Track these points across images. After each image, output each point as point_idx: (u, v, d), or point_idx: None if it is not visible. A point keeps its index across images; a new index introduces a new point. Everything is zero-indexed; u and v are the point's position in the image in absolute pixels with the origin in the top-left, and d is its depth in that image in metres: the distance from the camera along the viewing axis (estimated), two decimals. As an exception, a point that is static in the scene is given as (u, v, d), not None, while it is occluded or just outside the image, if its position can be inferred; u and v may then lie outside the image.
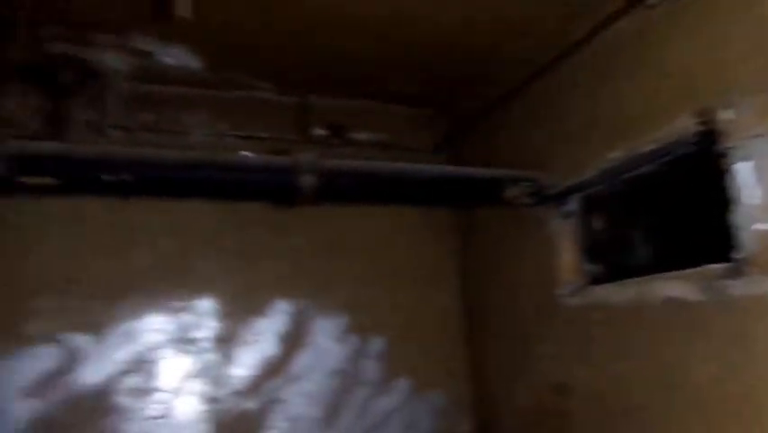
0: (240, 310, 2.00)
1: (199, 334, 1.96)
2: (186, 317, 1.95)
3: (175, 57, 1.95)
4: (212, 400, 1.93)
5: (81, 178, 1.36)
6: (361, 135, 2.33)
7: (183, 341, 1.94)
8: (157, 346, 1.90)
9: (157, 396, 1.87)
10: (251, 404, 1.98)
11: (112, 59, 1.87)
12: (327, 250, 2.14)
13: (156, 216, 1.95)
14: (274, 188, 1.59)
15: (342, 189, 1.65)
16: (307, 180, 1.53)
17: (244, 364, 2.00)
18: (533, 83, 1.89)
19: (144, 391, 1.86)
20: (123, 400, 1.82)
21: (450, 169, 1.88)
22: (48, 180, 1.30)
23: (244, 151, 1.96)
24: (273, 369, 2.03)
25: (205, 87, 2.12)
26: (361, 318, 2.14)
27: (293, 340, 2.05)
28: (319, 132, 2.20)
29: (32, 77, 1.75)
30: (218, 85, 2.13)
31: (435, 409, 2.22)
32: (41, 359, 1.74)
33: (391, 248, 2.26)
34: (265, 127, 2.16)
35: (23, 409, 1.70)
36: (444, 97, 2.37)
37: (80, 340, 1.80)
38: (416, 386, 2.19)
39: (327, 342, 2.10)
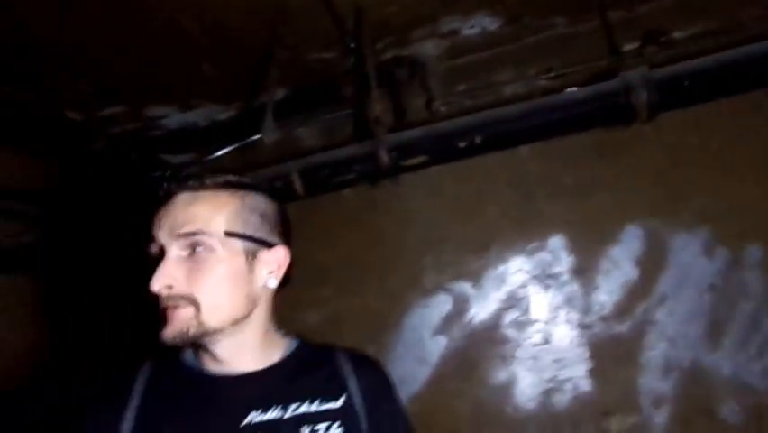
0: (592, 241, 2.07)
1: (558, 269, 2.11)
2: (543, 256, 2.13)
3: (476, 25, 2.13)
4: (583, 326, 2.07)
5: (443, 150, 1.66)
6: (680, 33, 2.10)
7: (545, 277, 2.12)
8: (524, 285, 2.14)
9: (535, 326, 2.11)
10: (622, 328, 2.04)
11: (429, 48, 2.16)
12: (672, 162, 2.00)
13: (497, 170, 2.17)
14: (606, 114, 1.61)
15: (681, 95, 1.55)
16: (641, 96, 1.50)
17: (607, 291, 2.06)
18: None
19: (523, 323, 2.12)
20: (508, 331, 2.12)
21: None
22: (421, 159, 1.64)
23: (557, 89, 2.01)
24: (638, 292, 2.03)
25: (505, 43, 2.24)
26: (728, 227, 1.95)
27: (653, 261, 2.02)
28: (632, 46, 2.08)
29: (379, 82, 2.15)
30: (516, 37, 2.22)
31: None
32: (440, 305, 2.17)
33: (750, 140, 1.96)
34: (574, 61, 2.14)
35: (436, 342, 2.15)
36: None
37: (464, 287, 2.17)
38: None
39: (692, 258, 1.99)
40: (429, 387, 2.13)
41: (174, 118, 2.36)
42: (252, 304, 0.95)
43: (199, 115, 2.38)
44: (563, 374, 2.06)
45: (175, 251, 0.90)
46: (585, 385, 2.04)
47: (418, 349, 2.17)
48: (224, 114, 2.39)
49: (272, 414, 0.91)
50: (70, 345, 2.04)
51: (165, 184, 0.97)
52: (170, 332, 0.88)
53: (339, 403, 0.94)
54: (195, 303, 0.89)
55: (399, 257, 2.23)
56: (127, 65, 1.88)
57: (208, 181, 0.95)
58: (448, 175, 2.16)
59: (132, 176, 2.33)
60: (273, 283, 0.98)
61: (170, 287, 0.88)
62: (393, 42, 2.11)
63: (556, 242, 2.12)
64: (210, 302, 0.89)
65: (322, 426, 0.91)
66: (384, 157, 1.62)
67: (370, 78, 1.70)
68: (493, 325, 2.13)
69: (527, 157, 2.15)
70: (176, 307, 0.89)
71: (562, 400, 2.05)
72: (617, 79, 1.54)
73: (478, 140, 1.61)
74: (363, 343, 2.20)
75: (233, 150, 2.28)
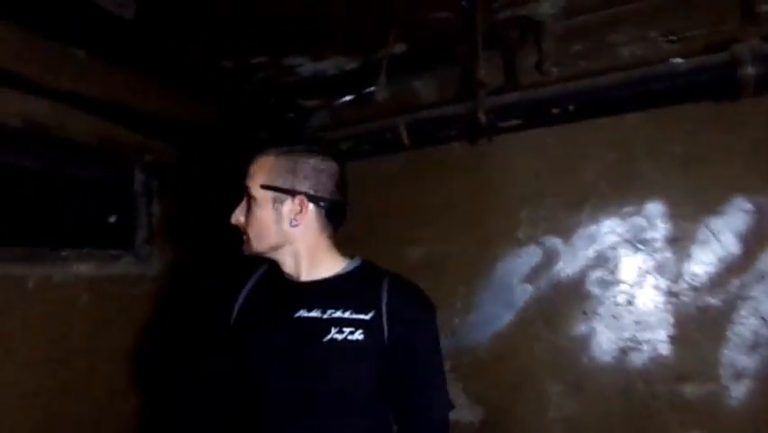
0: (692, 211, 2.06)
1: (651, 235, 2.14)
2: (637, 220, 2.17)
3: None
4: (671, 294, 2.11)
5: (536, 115, 1.76)
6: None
7: (636, 241, 2.17)
8: (614, 246, 2.20)
9: (620, 287, 2.19)
10: (712, 300, 2.05)
11: (546, 7, 2.19)
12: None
13: (601, 133, 2.20)
14: (713, 87, 1.59)
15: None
16: (749, 71, 1.46)
17: (701, 262, 2.07)
18: None
19: (609, 283, 2.20)
20: (592, 288, 2.22)
21: None
22: (516, 122, 1.76)
23: (677, 53, 1.97)
24: (734, 267, 2.01)
25: (628, 1, 2.19)
26: None
27: (756, 237, 1.97)
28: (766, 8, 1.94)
29: (489, 43, 2.25)
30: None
31: None
32: (530, 256, 2.32)
33: None
34: (699, 23, 2.06)
35: (523, 290, 2.33)
36: None
37: (554, 242, 2.29)
38: None
39: (801, 239, 1.92)
40: (512, 329, 2.33)
41: (307, 67, 2.67)
42: (284, 238, 1.30)
43: (329, 65, 2.67)
44: (643, 336, 2.14)
45: (245, 198, 1.33)
46: (664, 349, 2.10)
47: (506, 294, 2.36)
48: (350, 64, 2.65)
49: (313, 313, 1.25)
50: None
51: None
52: (243, 249, 1.35)
53: (368, 316, 1.23)
54: (247, 234, 1.31)
55: (498, 208, 2.39)
56: (270, 21, 2.19)
57: (265, 149, 1.34)
58: (551, 134, 2.25)
59: (270, 116, 2.71)
60: (294, 224, 1.30)
61: (238, 221, 1.33)
62: (510, 1, 2.18)
63: (653, 208, 2.14)
64: (253, 234, 1.31)
65: (348, 329, 1.22)
66: (482, 117, 1.77)
67: (478, 40, 1.82)
68: (579, 280, 2.24)
69: (636, 122, 2.15)
70: (242, 234, 1.34)
71: (638, 358, 2.14)
72: (724, 53, 1.51)
73: (571, 107, 1.68)
74: (456, 283, 2.45)
75: (353, 99, 2.54)
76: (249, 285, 1.43)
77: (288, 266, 1.33)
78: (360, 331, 1.20)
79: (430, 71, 2.48)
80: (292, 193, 1.28)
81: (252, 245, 1.31)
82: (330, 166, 1.33)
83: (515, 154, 2.34)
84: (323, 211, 1.32)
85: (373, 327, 1.21)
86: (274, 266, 1.38)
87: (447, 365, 2.40)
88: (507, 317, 2.34)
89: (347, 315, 1.22)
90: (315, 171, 1.31)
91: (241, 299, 1.41)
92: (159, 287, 2.26)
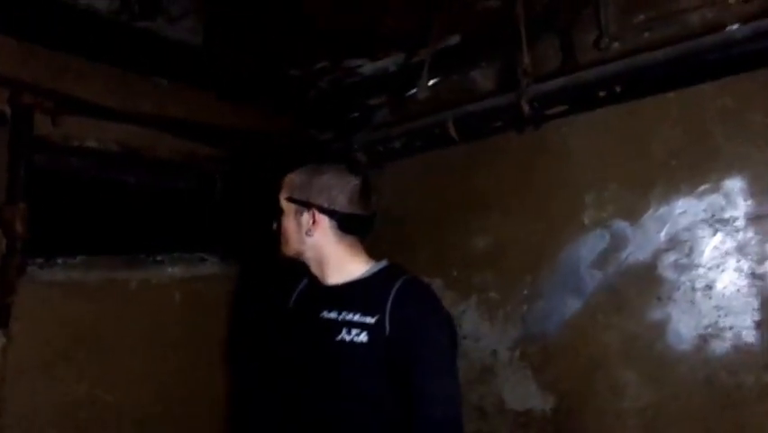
0: (775, 186, 1.89)
1: (731, 213, 1.98)
2: (714, 198, 2.01)
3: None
4: (755, 276, 1.94)
5: (582, 100, 1.70)
6: None
7: (714, 221, 2.01)
8: (689, 228, 2.06)
9: (698, 271, 2.05)
10: (806, 282, 1.87)
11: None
12: None
13: (668, 107, 2.06)
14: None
15: None
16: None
17: (791, 241, 1.89)
18: None
19: (685, 266, 2.07)
20: (666, 273, 2.10)
21: None
22: (561, 108, 1.71)
23: (751, 16, 1.79)
24: (830, 245, 1.82)
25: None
26: None
27: None
28: None
29: (544, 26, 2.18)
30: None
31: None
32: (596, 240, 2.24)
33: None
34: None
35: (590, 276, 2.26)
36: None
37: (622, 225, 2.19)
38: None
39: None
40: (581, 316, 2.28)
41: (368, 66, 2.76)
42: (304, 245, 1.46)
43: (389, 63, 2.73)
44: (725, 322, 1.99)
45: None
46: (749, 336, 1.95)
47: (573, 281, 2.30)
48: (409, 60, 2.69)
49: (332, 315, 1.38)
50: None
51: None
52: (279, 252, 1.53)
53: (373, 319, 1.32)
54: (279, 239, 1.49)
55: (561, 193, 2.33)
56: (328, 28, 2.31)
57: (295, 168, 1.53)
58: (612, 114, 2.14)
59: (335, 117, 2.84)
60: (310, 233, 1.45)
61: (275, 228, 1.51)
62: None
63: (732, 184, 1.98)
64: (282, 240, 1.49)
65: (354, 330, 1.33)
66: (525, 107, 1.75)
67: (520, 26, 1.79)
68: (650, 265, 2.13)
69: (709, 93, 1.99)
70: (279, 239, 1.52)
71: (720, 346, 2.00)
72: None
73: (618, 89, 1.60)
74: (522, 271, 2.43)
75: (412, 94, 2.59)
76: (300, 286, 1.61)
77: (315, 270, 1.49)
78: (364, 333, 1.30)
79: (486, 61, 2.46)
80: (307, 206, 1.41)
81: (283, 250, 1.50)
82: (342, 181, 1.43)
83: (574, 137, 2.25)
84: (335, 223, 1.42)
85: (377, 329, 1.30)
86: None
87: (516, 353, 2.41)
88: (575, 305, 2.29)
89: (356, 318, 1.33)
90: (326, 187, 1.44)
91: (293, 298, 1.60)
92: (239, 285, 2.50)
